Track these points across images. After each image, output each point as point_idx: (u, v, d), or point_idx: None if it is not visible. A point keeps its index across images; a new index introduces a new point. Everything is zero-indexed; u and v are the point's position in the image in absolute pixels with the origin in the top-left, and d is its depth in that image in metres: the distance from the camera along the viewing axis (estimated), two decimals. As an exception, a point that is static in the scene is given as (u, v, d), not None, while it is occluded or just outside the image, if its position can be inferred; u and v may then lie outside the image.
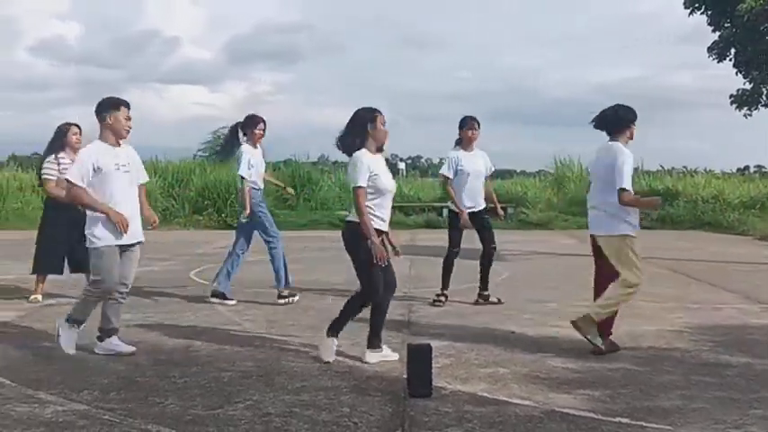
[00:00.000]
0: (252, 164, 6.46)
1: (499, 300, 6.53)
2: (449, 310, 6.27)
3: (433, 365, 3.88)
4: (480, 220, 6.59)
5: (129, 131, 4.66)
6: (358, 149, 4.39)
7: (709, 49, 18.72)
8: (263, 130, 6.64)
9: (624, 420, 3.39)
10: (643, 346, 4.88)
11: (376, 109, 4.49)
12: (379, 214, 4.40)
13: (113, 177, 4.52)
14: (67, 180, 4.58)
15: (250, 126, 6.59)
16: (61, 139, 6.53)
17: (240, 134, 6.66)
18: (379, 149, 4.50)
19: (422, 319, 5.76)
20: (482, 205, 6.61)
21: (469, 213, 6.51)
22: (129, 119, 4.65)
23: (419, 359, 3.81)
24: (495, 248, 6.62)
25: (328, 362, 4.40)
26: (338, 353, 4.61)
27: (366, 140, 4.42)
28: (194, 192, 18.22)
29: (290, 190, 9.74)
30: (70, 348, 4.60)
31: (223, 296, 6.46)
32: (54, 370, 4.24)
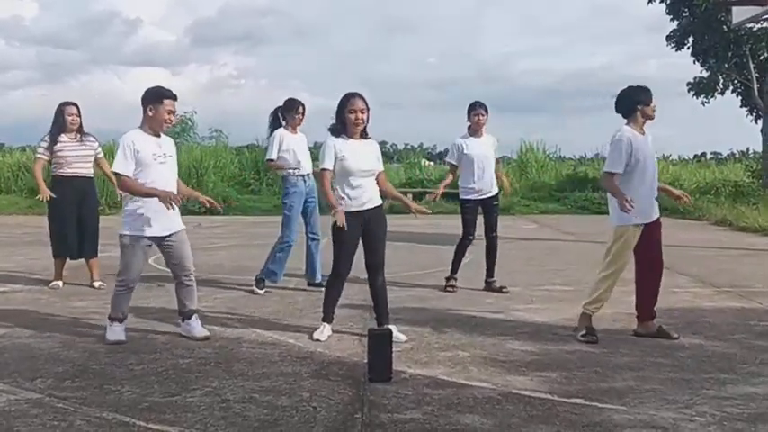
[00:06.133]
0: (285, 148, 6.37)
1: (501, 288, 6.48)
2: (411, 294, 6.30)
3: (394, 349, 3.90)
4: (488, 206, 6.60)
5: (169, 125, 4.55)
6: (334, 133, 4.57)
7: (668, 38, 19.02)
8: (303, 115, 6.51)
9: (579, 401, 3.45)
10: (599, 329, 4.97)
11: (350, 94, 4.55)
12: (352, 195, 4.54)
13: (152, 168, 4.43)
14: (115, 173, 4.47)
15: (289, 110, 6.49)
16: (59, 120, 6.41)
17: (281, 119, 6.52)
18: (362, 134, 4.60)
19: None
20: (493, 191, 6.58)
21: (479, 199, 6.53)
22: (171, 113, 4.51)
23: (379, 344, 3.83)
24: (495, 236, 6.65)
25: (318, 340, 4.58)
26: (297, 338, 4.63)
27: (345, 125, 4.54)
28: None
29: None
30: (117, 336, 4.53)
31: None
32: (6, 359, 4.14)
